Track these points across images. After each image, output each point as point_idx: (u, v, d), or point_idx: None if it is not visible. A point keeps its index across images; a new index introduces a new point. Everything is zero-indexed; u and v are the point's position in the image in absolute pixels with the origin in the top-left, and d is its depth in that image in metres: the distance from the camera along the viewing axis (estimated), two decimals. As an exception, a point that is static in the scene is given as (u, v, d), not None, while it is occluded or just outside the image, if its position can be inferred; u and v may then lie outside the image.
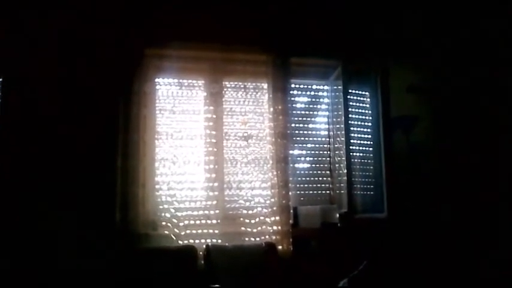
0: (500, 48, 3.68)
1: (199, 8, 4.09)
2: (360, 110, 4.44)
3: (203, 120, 4.08)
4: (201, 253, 3.69)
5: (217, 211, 3.95)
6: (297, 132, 4.37)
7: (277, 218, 3.95)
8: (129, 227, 3.69)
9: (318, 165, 4.42)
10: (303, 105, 4.50)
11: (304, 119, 4.45)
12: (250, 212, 4.05)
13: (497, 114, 3.75)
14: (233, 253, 3.69)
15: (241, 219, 4.02)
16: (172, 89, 4.16)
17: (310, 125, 4.48)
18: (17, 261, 3.43)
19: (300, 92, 4.50)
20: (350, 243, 3.98)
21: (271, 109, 4.12)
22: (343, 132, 4.23)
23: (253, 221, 4.01)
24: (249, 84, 4.26)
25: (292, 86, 4.34)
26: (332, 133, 4.45)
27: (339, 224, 4.10)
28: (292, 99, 4.37)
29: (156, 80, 4.09)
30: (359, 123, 4.40)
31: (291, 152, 4.15)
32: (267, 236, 3.95)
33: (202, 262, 3.66)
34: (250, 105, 4.25)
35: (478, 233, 3.85)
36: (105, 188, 3.71)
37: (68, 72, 3.78)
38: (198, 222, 3.91)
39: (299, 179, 4.30)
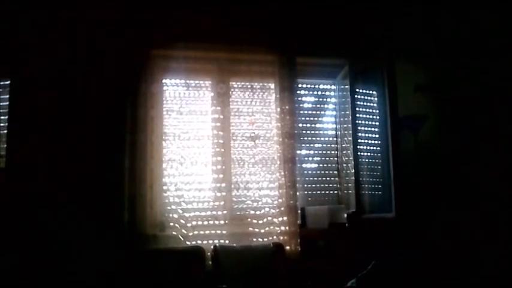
0: (510, 48, 3.65)
1: (205, 8, 4.08)
2: (367, 110, 4.42)
3: (210, 121, 4.09)
4: (208, 254, 3.69)
5: (224, 212, 3.96)
6: (304, 132, 4.37)
7: (285, 218, 3.96)
8: (137, 228, 3.71)
9: (325, 165, 4.43)
10: (310, 105, 4.51)
11: (312, 118, 4.46)
12: (257, 212, 4.06)
13: (507, 113, 3.71)
14: (241, 254, 3.69)
15: (249, 219, 4.03)
16: (179, 90, 4.17)
17: (318, 125, 4.49)
18: (24, 261, 3.45)
19: (307, 92, 4.50)
20: (358, 243, 3.97)
21: (279, 109, 4.12)
22: (350, 131, 4.23)
23: (260, 222, 4.02)
24: (256, 84, 4.26)
25: (299, 85, 4.34)
26: (339, 133, 4.45)
27: (346, 224, 4.09)
28: (299, 99, 4.36)
29: (163, 81, 4.10)
30: (366, 122, 4.37)
31: (298, 152, 4.14)
32: (274, 237, 3.95)
33: (210, 263, 3.66)
34: (257, 105, 4.25)
35: (486, 232, 3.82)
36: (113, 189, 3.73)
37: (75, 74, 3.79)
38: (205, 223, 3.92)
39: (307, 179, 4.31)
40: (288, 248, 3.88)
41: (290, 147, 4.06)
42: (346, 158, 4.32)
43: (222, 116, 4.10)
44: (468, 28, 3.91)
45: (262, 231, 3.99)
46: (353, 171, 4.17)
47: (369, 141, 4.35)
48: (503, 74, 3.67)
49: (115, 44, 3.86)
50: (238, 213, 4.04)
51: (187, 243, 3.80)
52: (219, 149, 4.05)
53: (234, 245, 3.80)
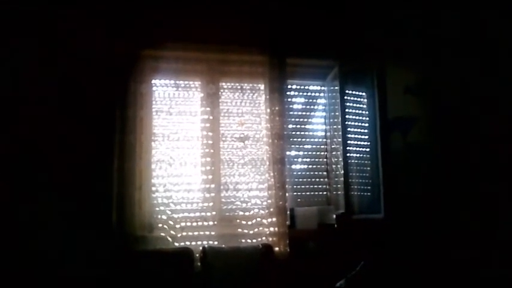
0: (500, 49, 3.67)
1: (195, 9, 4.08)
2: (357, 111, 4.43)
3: (200, 122, 4.08)
4: (197, 255, 3.69)
5: (213, 213, 3.96)
6: (293, 133, 4.38)
7: (274, 219, 3.95)
8: (126, 229, 3.70)
9: (314, 166, 4.43)
10: (299, 106, 4.50)
11: (301, 120, 4.46)
12: (246, 213, 4.06)
13: (496, 114, 3.73)
14: (230, 255, 3.68)
15: (238, 220, 4.02)
16: (168, 90, 4.15)
17: (307, 126, 4.49)
18: (11, 263, 3.43)
19: (296, 93, 4.50)
20: (347, 244, 3.99)
21: (268, 110, 4.12)
22: (340, 133, 4.25)
23: (249, 223, 4.01)
24: (246, 85, 4.26)
25: (289, 87, 4.35)
26: (329, 134, 4.46)
27: (336, 225, 4.11)
28: (289, 100, 4.37)
29: (153, 81, 4.08)
30: (356, 123, 4.39)
31: (287, 153, 4.15)
32: (263, 238, 3.95)
33: (199, 264, 3.66)
34: (246, 106, 4.25)
35: (476, 233, 3.84)
36: (102, 190, 3.71)
37: (64, 74, 3.76)
38: (194, 224, 3.91)
39: (296, 180, 4.30)
40: (277, 249, 3.88)
41: (279, 148, 4.05)
42: (336, 159, 4.33)
43: (211, 117, 4.09)
44: (458, 30, 3.93)
45: (251, 232, 3.98)
46: (342, 172, 4.19)
47: (358, 143, 4.38)
48: (493, 76, 3.70)
49: (105, 45, 3.83)
50: (227, 214, 4.03)
51: (176, 244, 3.79)
52: (208, 150, 4.04)
53: (223, 246, 3.80)
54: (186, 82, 4.20)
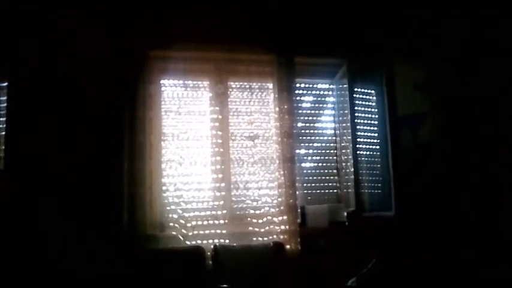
0: (507, 47, 3.65)
1: (203, 9, 4.09)
2: (366, 109, 4.43)
3: (209, 121, 4.09)
4: (209, 253, 3.69)
5: (224, 211, 3.95)
6: (303, 131, 4.38)
7: (285, 217, 3.94)
8: (137, 228, 3.70)
9: (324, 164, 4.42)
10: (308, 105, 4.50)
11: (310, 118, 4.46)
12: (257, 211, 4.05)
13: (507, 111, 3.72)
14: (241, 253, 3.68)
15: (249, 219, 4.02)
16: (177, 91, 4.16)
17: (316, 124, 4.49)
18: (22, 263, 3.44)
19: (305, 92, 4.50)
20: (358, 241, 3.97)
21: (277, 109, 4.12)
22: (349, 130, 4.25)
23: (260, 221, 4.01)
24: (254, 84, 4.25)
25: (298, 85, 4.35)
26: (338, 132, 4.45)
27: (346, 223, 4.11)
28: (298, 98, 4.37)
29: (161, 81, 4.10)
30: (365, 121, 4.40)
31: (297, 151, 4.14)
32: (274, 236, 3.94)
33: (211, 262, 3.66)
34: (255, 105, 4.25)
35: (485, 231, 3.82)
36: (113, 190, 3.72)
37: (73, 76, 3.78)
38: (205, 222, 3.91)
39: (306, 178, 4.30)
40: (288, 247, 3.87)
41: (289, 146, 4.05)
42: (345, 157, 4.32)
43: (220, 116, 4.09)
44: (466, 27, 3.92)
45: (262, 230, 3.97)
46: (352, 169, 4.19)
47: (368, 140, 4.37)
48: (502, 72, 3.68)
49: (113, 45, 3.85)
50: (238, 212, 4.03)
51: (187, 243, 3.78)
52: (218, 149, 4.04)
53: (234, 244, 3.79)
54: (195, 82, 4.20)
